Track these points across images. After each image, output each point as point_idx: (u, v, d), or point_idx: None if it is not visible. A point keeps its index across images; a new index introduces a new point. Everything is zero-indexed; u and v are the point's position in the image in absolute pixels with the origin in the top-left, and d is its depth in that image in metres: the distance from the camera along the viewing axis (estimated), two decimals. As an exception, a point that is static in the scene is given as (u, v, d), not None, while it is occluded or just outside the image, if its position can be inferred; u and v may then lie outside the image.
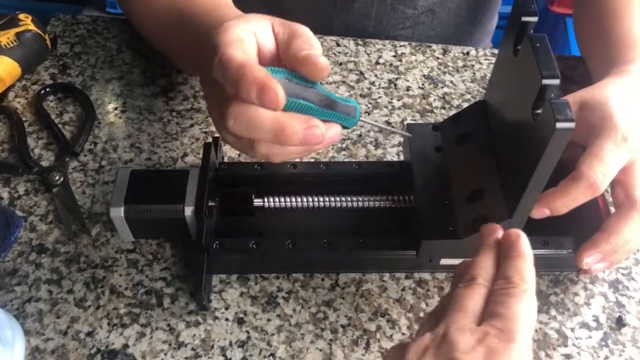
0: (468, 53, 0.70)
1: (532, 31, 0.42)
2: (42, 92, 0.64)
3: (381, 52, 0.70)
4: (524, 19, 0.41)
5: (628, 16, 0.59)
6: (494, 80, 0.49)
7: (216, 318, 0.50)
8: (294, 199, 0.52)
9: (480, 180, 0.46)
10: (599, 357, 0.48)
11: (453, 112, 0.64)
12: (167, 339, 0.49)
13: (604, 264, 0.47)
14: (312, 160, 0.59)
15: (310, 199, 0.52)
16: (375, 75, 0.67)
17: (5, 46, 0.62)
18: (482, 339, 0.32)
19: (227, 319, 0.50)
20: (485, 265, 0.38)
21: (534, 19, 0.41)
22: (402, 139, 0.59)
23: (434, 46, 0.71)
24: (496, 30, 0.90)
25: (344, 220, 0.53)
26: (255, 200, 0.51)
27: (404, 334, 0.49)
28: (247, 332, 0.49)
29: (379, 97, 0.65)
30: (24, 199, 0.57)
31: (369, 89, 0.66)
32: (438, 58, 0.70)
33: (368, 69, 0.68)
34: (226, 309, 0.50)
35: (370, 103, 0.65)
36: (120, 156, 0.60)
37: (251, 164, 0.55)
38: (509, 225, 0.44)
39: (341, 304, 0.50)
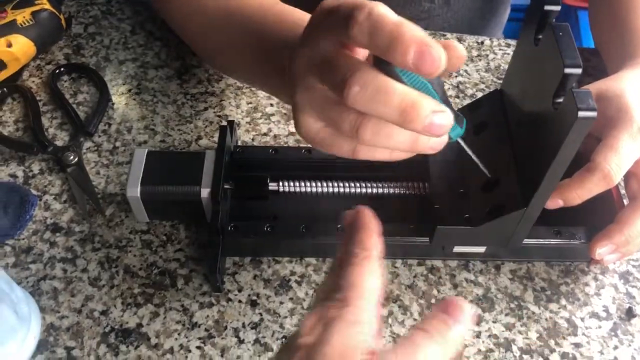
0: (482, 43, 0.70)
1: (554, 20, 0.42)
2: (57, 71, 0.64)
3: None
4: (547, 7, 0.41)
5: (643, 6, 0.59)
6: (512, 69, 0.49)
7: (229, 300, 0.50)
8: (308, 184, 0.52)
9: (497, 170, 0.46)
10: (608, 346, 0.48)
11: (467, 101, 0.64)
12: (180, 319, 0.49)
13: (616, 255, 0.48)
14: (326, 146, 0.60)
15: (325, 184, 0.52)
16: (389, 63, 0.67)
17: (21, 25, 0.62)
18: (322, 315, 0.30)
19: (240, 301, 0.50)
20: (339, 253, 0.35)
21: (557, 7, 0.41)
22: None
23: (449, 35, 0.71)
24: (508, 22, 0.90)
25: (358, 205, 0.53)
26: (270, 184, 0.52)
27: (415, 319, 0.49)
28: (260, 314, 0.49)
29: (393, 85, 0.65)
30: (38, 178, 0.57)
31: (383, 76, 0.66)
32: (452, 47, 0.69)
33: (382, 56, 0.68)
34: (239, 291, 0.51)
35: (384, 90, 0.65)
36: (134, 138, 0.60)
37: (266, 147, 0.56)
38: (526, 215, 0.45)
39: (353, 288, 0.51)
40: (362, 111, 0.34)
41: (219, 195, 0.48)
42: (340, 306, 0.30)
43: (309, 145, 0.59)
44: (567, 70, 0.37)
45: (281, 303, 0.50)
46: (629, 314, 0.50)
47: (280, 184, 0.52)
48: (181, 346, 0.48)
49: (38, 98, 0.63)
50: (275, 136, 0.60)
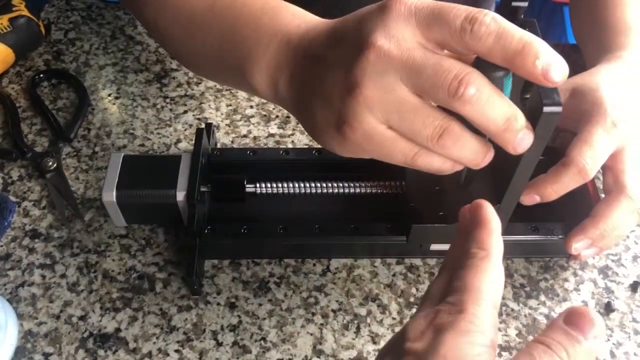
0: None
1: (522, 16, 0.42)
2: (36, 78, 0.64)
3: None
4: (514, 4, 0.41)
5: (622, 3, 0.59)
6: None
7: (208, 303, 0.50)
8: (285, 185, 0.52)
9: (468, 168, 0.46)
10: (587, 341, 0.48)
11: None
12: (159, 323, 0.49)
13: (593, 249, 0.48)
14: (305, 146, 0.60)
15: (302, 185, 0.52)
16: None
17: (-1, 32, 0.62)
18: (432, 319, 0.28)
19: (218, 304, 0.50)
20: (453, 248, 0.34)
21: (524, 4, 0.41)
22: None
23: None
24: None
25: (335, 205, 0.53)
26: (247, 186, 0.52)
27: (394, 318, 0.49)
28: (239, 316, 0.49)
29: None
30: (17, 185, 0.57)
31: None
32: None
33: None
34: (218, 293, 0.50)
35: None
36: (113, 142, 0.60)
37: (244, 149, 0.56)
38: (498, 211, 0.45)
39: (332, 289, 0.51)
40: (467, 115, 0.34)
41: (194, 198, 0.48)
42: (453, 311, 0.28)
43: (287, 146, 0.59)
44: (534, 66, 0.37)
45: (260, 305, 0.50)
46: (608, 308, 0.50)
47: (258, 185, 0.52)
48: (159, 350, 0.48)
49: (17, 104, 0.63)
50: (255, 138, 0.60)
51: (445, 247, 0.50)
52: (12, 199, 0.56)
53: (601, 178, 0.50)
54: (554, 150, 0.50)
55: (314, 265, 0.52)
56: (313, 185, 0.52)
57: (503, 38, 0.32)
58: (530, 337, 0.48)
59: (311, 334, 0.48)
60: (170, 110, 0.63)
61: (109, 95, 0.64)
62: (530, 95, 0.38)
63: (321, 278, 0.51)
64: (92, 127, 0.61)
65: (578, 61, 0.66)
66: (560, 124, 0.52)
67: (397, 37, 0.34)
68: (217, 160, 0.54)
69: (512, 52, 0.32)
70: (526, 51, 0.32)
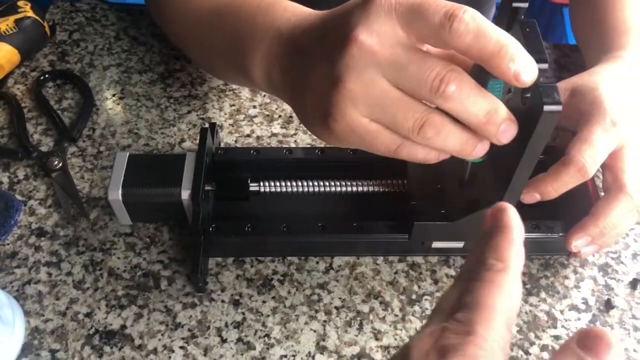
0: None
1: (523, 17, 0.42)
2: (41, 78, 0.65)
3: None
4: (515, 4, 0.41)
5: (621, 3, 0.60)
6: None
7: (212, 300, 0.51)
8: (289, 184, 0.52)
9: (472, 165, 0.47)
10: (587, 338, 0.49)
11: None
12: (164, 320, 0.49)
13: (593, 247, 0.48)
14: (308, 145, 0.60)
15: (305, 184, 0.53)
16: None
17: (5, 33, 0.62)
18: (438, 339, 0.25)
19: (223, 301, 0.50)
20: (471, 256, 0.30)
21: (525, 4, 0.42)
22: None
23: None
24: (493, 20, 0.90)
25: (338, 204, 0.54)
26: (251, 184, 0.52)
27: (396, 315, 0.50)
28: (243, 313, 0.50)
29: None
30: (23, 184, 0.58)
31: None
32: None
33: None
34: (222, 291, 0.51)
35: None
36: (118, 142, 0.61)
37: (247, 149, 0.56)
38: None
39: (335, 286, 0.51)
40: (450, 111, 0.35)
41: (199, 196, 0.49)
42: (461, 332, 0.25)
43: (290, 146, 0.60)
44: (534, 66, 0.38)
45: (264, 302, 0.51)
46: (608, 305, 0.50)
47: (262, 184, 0.52)
48: (165, 346, 0.48)
49: (23, 105, 0.63)
50: (258, 137, 0.61)
51: (447, 244, 0.51)
52: (19, 197, 0.56)
53: (601, 177, 0.51)
54: (555, 149, 0.51)
55: (317, 263, 0.53)
56: (316, 184, 0.52)
57: (481, 38, 0.33)
58: (531, 334, 0.49)
59: (314, 331, 0.49)
60: (174, 110, 0.63)
61: (114, 95, 0.65)
62: (530, 95, 0.39)
63: (324, 275, 0.52)
64: (96, 127, 0.62)
65: (578, 61, 0.67)
66: (560, 123, 0.52)
67: (379, 32, 0.35)
68: (221, 160, 0.55)
69: (488, 53, 0.33)
70: (502, 53, 0.33)
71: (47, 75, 0.65)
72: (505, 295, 0.26)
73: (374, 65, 0.35)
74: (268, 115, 0.63)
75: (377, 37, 0.35)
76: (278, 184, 0.53)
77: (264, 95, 0.65)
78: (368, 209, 0.53)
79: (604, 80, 0.51)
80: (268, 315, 0.50)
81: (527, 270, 0.53)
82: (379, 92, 0.36)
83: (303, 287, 0.51)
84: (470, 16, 0.34)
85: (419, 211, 0.48)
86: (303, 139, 0.61)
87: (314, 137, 0.61)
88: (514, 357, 0.48)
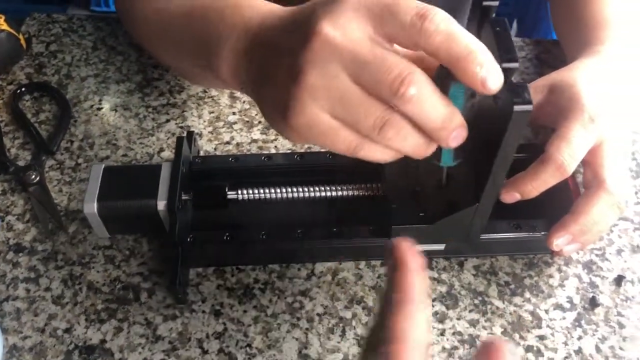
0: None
1: (494, 15, 0.42)
2: (18, 91, 0.64)
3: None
4: (485, 3, 0.41)
5: (600, -2, 0.59)
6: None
7: (193, 311, 0.50)
8: (267, 191, 0.52)
9: (449, 168, 0.46)
10: (572, 337, 0.48)
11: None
12: (144, 333, 0.49)
13: (575, 245, 0.48)
14: (288, 151, 0.60)
15: (284, 190, 0.52)
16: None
17: (-22, 47, 0.62)
18: None
19: (203, 312, 0.50)
20: (384, 293, 0.34)
21: (495, 3, 0.41)
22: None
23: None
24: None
25: (317, 210, 0.53)
26: (229, 192, 0.52)
27: (379, 320, 0.49)
28: (224, 323, 0.49)
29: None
30: (0, 199, 0.57)
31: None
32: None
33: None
34: (203, 301, 0.50)
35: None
36: (96, 153, 0.60)
37: (226, 156, 0.56)
38: (478, 210, 0.45)
39: (317, 293, 0.51)
40: (404, 111, 0.35)
41: (175, 206, 0.48)
42: None
43: (270, 152, 0.59)
44: (504, 65, 0.37)
45: (245, 311, 0.50)
46: (593, 303, 0.50)
47: (240, 192, 0.52)
48: (145, 360, 0.48)
49: None
50: (238, 144, 0.61)
51: (428, 247, 0.51)
52: (-4, 213, 0.56)
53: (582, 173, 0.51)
54: (537, 146, 0.50)
55: (299, 269, 0.52)
56: (295, 190, 0.52)
57: (451, 40, 0.33)
58: (516, 335, 0.48)
59: (297, 339, 0.48)
60: (153, 119, 0.63)
61: (91, 106, 0.64)
62: (501, 95, 0.38)
63: (306, 282, 0.51)
64: (74, 139, 0.61)
65: (560, 57, 0.67)
66: (540, 121, 0.52)
67: (345, 27, 0.34)
68: (199, 168, 0.54)
69: (456, 57, 0.33)
70: (470, 59, 0.33)
71: (23, 89, 0.65)
72: (414, 323, 0.30)
73: (337, 60, 0.34)
74: (248, 122, 0.62)
75: (341, 31, 0.34)
76: (257, 191, 0.52)
77: (244, 102, 0.64)
78: (348, 214, 0.53)
79: (582, 75, 0.50)
80: (249, 325, 0.49)
81: (511, 270, 0.52)
82: (341, 88, 0.35)
83: (285, 294, 0.51)
84: (441, 18, 0.34)
85: (398, 214, 0.48)
86: (284, 144, 0.60)
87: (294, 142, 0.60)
88: (499, 359, 0.47)
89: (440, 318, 0.49)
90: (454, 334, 0.49)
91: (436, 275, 0.52)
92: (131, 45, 0.69)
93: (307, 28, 0.35)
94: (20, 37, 0.66)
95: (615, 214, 0.47)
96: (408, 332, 0.30)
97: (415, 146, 0.37)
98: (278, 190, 0.52)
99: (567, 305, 0.50)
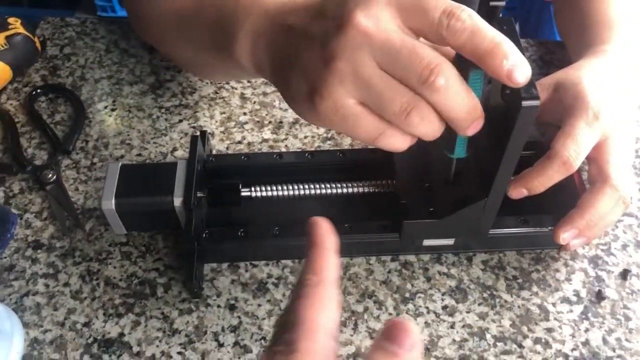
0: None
1: (500, 15, 0.43)
2: (34, 93, 0.66)
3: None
4: (492, 3, 0.42)
5: (604, -3, 0.60)
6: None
7: (208, 305, 0.51)
8: (280, 188, 0.53)
9: (457, 162, 0.47)
10: (579, 329, 0.49)
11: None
12: (161, 326, 0.50)
13: (581, 239, 0.49)
14: (298, 150, 0.61)
15: (296, 187, 0.53)
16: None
17: (-4, 50, 0.63)
18: None
19: (219, 306, 0.51)
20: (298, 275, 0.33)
21: (502, 3, 0.42)
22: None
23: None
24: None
25: (329, 206, 0.55)
26: (242, 190, 0.53)
27: (390, 314, 0.50)
28: (239, 317, 0.50)
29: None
30: (18, 197, 0.58)
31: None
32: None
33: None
34: (218, 296, 0.52)
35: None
36: (111, 153, 0.61)
37: (238, 155, 0.57)
38: (487, 205, 0.46)
39: (329, 287, 0.52)
40: (431, 100, 0.36)
41: (191, 203, 0.50)
42: (287, 352, 0.27)
43: (280, 150, 0.61)
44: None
45: (259, 305, 0.51)
46: (599, 296, 0.51)
47: (253, 189, 0.53)
48: (162, 353, 0.49)
49: (16, 120, 0.64)
50: (249, 143, 0.62)
51: (437, 242, 0.52)
52: (14, 211, 0.57)
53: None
54: (543, 144, 0.52)
55: (311, 265, 0.53)
56: (306, 187, 0.53)
57: (476, 36, 0.34)
58: (524, 327, 0.50)
59: (310, 332, 0.49)
60: (166, 119, 0.64)
61: (105, 107, 0.66)
62: (510, 91, 0.39)
63: (318, 277, 0.53)
64: (89, 139, 0.63)
65: (563, 58, 0.68)
66: (545, 119, 0.53)
67: (377, 17, 0.36)
68: (213, 167, 0.56)
69: (482, 51, 0.34)
70: (496, 51, 0.34)
71: (39, 90, 0.66)
72: (323, 307, 0.28)
73: (368, 47, 0.36)
74: (258, 122, 0.64)
75: (374, 21, 0.36)
76: (269, 188, 0.53)
77: (254, 102, 0.65)
78: (359, 210, 0.54)
79: (586, 74, 0.52)
80: (264, 318, 0.50)
81: (519, 264, 0.53)
82: (369, 74, 0.36)
83: (297, 289, 0.52)
84: (467, 15, 0.35)
85: (408, 210, 0.49)
86: (293, 143, 0.62)
87: (304, 141, 0.61)
88: (508, 351, 0.48)
89: (450, 311, 0.50)
90: (463, 326, 0.50)
91: (445, 270, 0.53)
92: (144, 47, 0.71)
93: (340, 16, 0.36)
94: (36, 40, 0.67)
95: (621, 208, 0.48)
96: (316, 316, 0.28)
97: (433, 132, 0.38)
98: (290, 188, 0.53)
99: (574, 299, 0.51)
